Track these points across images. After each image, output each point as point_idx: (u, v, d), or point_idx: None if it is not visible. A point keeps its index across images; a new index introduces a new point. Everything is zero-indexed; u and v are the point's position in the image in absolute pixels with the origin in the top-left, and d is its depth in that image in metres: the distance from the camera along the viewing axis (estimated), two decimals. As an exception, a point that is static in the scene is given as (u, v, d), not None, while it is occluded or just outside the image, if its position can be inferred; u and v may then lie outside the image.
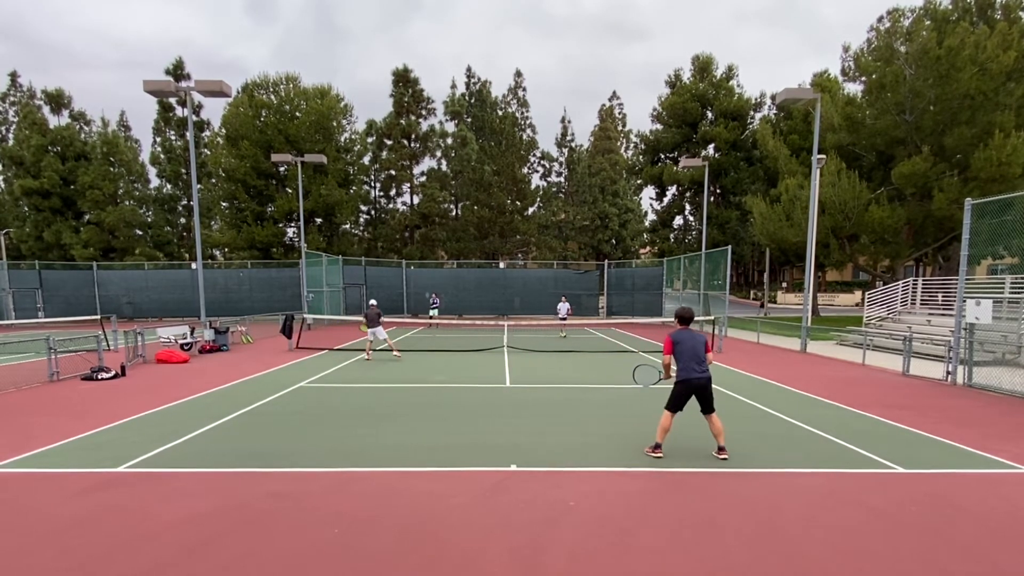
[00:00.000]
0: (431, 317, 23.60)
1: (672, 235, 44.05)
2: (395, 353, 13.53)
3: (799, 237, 22.72)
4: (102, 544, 3.67)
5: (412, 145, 38.27)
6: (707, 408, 5.55)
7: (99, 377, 10.12)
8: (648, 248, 51.61)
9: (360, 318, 14.36)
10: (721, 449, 5.54)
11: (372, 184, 39.20)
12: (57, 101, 38.63)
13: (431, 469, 5.18)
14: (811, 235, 15.53)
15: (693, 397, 5.51)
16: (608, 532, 3.84)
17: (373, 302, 14.28)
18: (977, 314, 9.24)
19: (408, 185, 39.48)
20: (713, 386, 5.62)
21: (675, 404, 5.55)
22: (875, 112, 22.43)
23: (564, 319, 19.81)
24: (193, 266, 26.31)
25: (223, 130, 32.44)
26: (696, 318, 20.85)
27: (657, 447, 5.56)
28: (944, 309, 16.09)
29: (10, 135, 39.78)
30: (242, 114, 31.04)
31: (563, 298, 20.68)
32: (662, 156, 42.82)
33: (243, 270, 28.61)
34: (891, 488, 4.73)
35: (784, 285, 50.99)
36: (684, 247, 39.78)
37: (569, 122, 48.55)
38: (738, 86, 40.17)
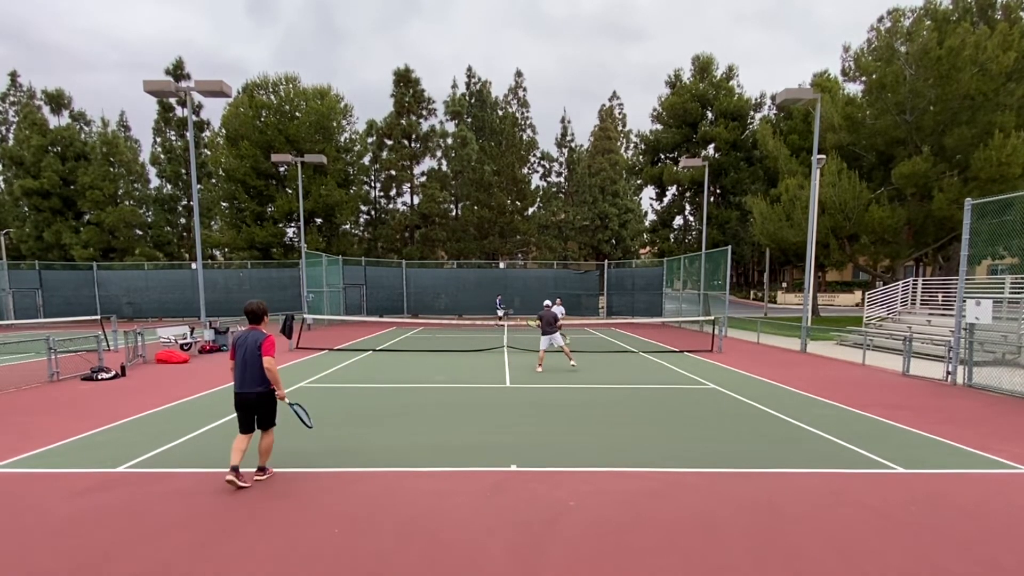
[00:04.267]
0: (500, 317, 24.51)
1: (672, 235, 44.03)
2: (571, 363, 11.68)
3: (799, 237, 22.71)
4: (102, 544, 3.67)
5: (412, 145, 38.28)
6: (259, 424, 4.85)
7: (99, 377, 10.11)
8: (648, 248, 51.59)
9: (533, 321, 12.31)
10: (260, 470, 4.88)
11: (372, 184, 39.22)
12: (57, 101, 38.61)
13: (431, 469, 5.18)
14: (811, 235, 15.53)
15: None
16: (608, 532, 3.84)
17: (548, 303, 12.36)
18: (977, 314, 9.24)
19: (408, 185, 39.50)
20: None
21: (239, 422, 4.81)
22: (875, 112, 22.42)
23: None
24: (193, 266, 26.30)
25: (223, 130, 32.45)
26: (696, 318, 20.79)
27: (234, 470, 4.61)
28: (944, 309, 16.08)
29: (10, 135, 39.79)
30: (242, 114, 31.04)
31: (558, 300, 18.60)
32: (662, 156, 42.81)
33: (243, 270, 28.61)
34: (891, 488, 4.73)
35: (784, 285, 50.99)
36: (684, 247, 39.77)
37: (569, 122, 48.56)
38: (738, 86, 40.19)
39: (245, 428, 4.82)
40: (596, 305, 28.99)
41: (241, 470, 4.70)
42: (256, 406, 4.79)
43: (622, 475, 5.02)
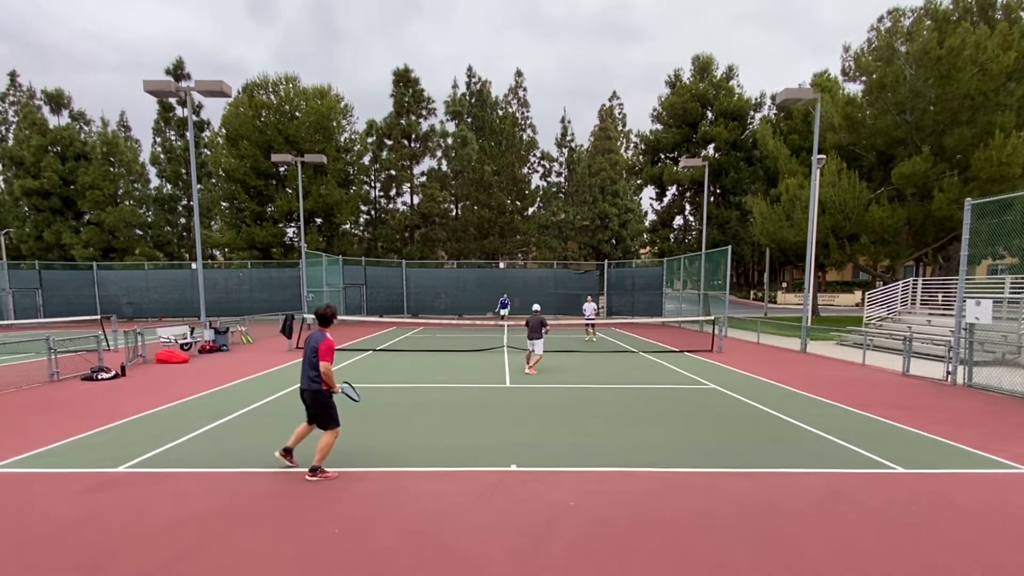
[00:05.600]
0: (502, 317, 24.41)
1: (672, 235, 43.97)
2: (529, 369, 11.27)
3: (799, 237, 22.70)
4: (102, 544, 3.67)
5: (412, 145, 38.24)
6: (317, 423, 5.15)
7: (99, 377, 10.11)
8: (648, 248, 51.52)
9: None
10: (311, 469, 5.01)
11: (372, 184, 39.19)
12: (57, 101, 38.57)
13: (431, 469, 5.18)
14: (811, 235, 15.53)
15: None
16: (608, 532, 3.84)
17: (536, 307, 11.96)
18: (977, 314, 9.24)
19: (408, 185, 39.48)
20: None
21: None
22: (875, 112, 22.41)
23: (591, 320, 18.20)
24: (193, 266, 26.30)
25: (223, 130, 32.42)
26: (696, 318, 20.80)
27: (285, 450, 5.27)
28: (944, 309, 16.07)
29: (10, 135, 39.75)
30: (242, 114, 31.01)
31: (589, 297, 19.28)
32: (662, 156, 42.76)
33: (243, 270, 28.60)
34: (891, 488, 4.73)
35: (784, 285, 50.99)
36: (684, 247, 39.72)
37: (569, 122, 48.36)
38: (738, 86, 40.11)
39: (309, 419, 5.20)
40: (596, 305, 29.00)
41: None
42: (307, 402, 5.09)
43: (622, 475, 5.02)
